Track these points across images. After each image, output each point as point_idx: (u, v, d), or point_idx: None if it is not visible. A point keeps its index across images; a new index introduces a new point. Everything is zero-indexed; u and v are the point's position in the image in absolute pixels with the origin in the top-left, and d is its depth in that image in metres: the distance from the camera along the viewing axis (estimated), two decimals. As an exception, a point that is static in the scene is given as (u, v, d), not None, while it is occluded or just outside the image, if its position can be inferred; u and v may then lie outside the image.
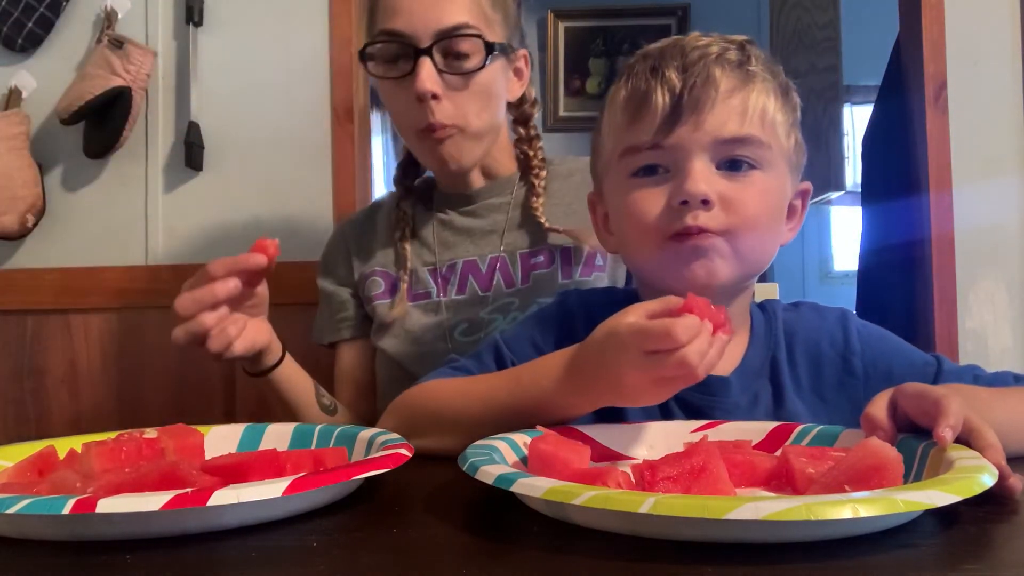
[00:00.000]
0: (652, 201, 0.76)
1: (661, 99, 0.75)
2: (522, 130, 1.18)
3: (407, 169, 1.21)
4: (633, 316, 0.65)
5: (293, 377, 1.04)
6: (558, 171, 1.18)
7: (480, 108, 1.06)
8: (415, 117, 1.05)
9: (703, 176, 0.74)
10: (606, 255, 1.11)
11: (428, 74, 1.01)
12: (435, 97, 1.02)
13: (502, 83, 1.10)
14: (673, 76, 0.75)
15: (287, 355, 1.03)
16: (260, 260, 0.89)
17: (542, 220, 1.11)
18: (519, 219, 1.14)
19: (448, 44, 1.02)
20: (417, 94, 1.02)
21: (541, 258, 1.11)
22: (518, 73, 1.15)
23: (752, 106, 0.76)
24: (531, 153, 1.17)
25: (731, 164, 0.76)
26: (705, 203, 0.74)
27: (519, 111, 1.18)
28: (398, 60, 1.05)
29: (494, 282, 1.12)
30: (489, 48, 1.04)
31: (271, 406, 1.06)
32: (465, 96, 1.05)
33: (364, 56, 1.07)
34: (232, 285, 0.89)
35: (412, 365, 1.10)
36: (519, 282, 1.11)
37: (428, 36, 1.02)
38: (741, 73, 0.76)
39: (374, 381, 1.18)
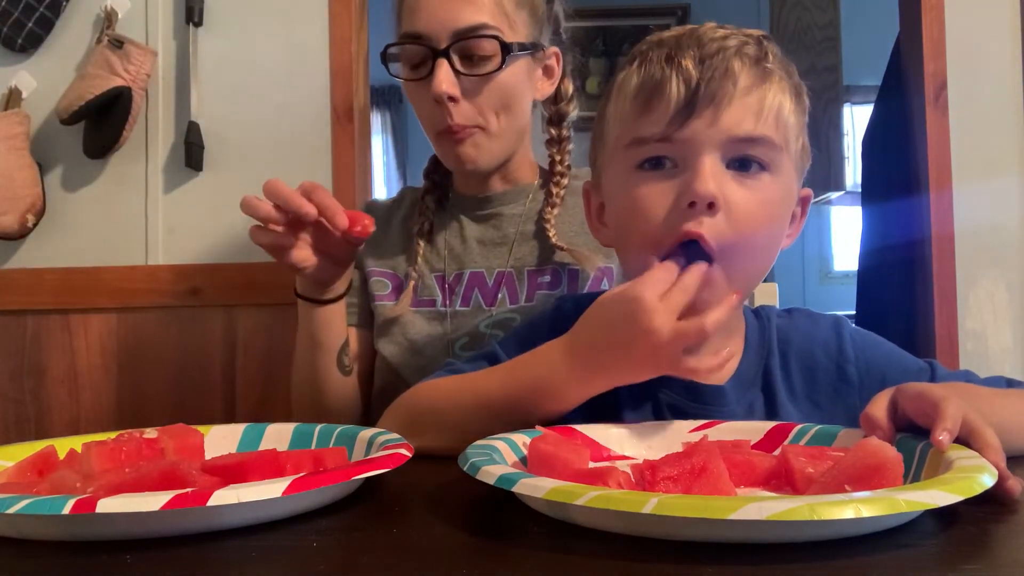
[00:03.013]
0: (658, 198, 0.73)
1: (676, 89, 0.72)
2: (554, 131, 1.15)
3: (438, 163, 1.19)
4: (642, 287, 0.68)
5: (333, 321, 1.04)
6: (577, 186, 1.13)
7: (500, 109, 1.05)
8: (435, 118, 1.04)
9: (713, 175, 0.71)
10: (612, 280, 1.09)
11: (445, 76, 1.01)
12: (452, 99, 1.02)
13: (526, 83, 1.08)
14: (690, 66, 0.72)
15: (342, 303, 1.05)
16: (310, 210, 0.89)
17: (551, 233, 1.09)
18: (531, 232, 1.12)
19: (466, 45, 1.01)
20: (434, 96, 1.01)
21: (548, 278, 1.09)
22: (548, 71, 1.13)
23: (768, 105, 0.73)
24: (558, 158, 1.14)
25: (741, 163, 0.73)
26: (711, 206, 0.71)
27: (554, 109, 1.15)
28: (420, 62, 1.04)
29: (499, 297, 1.10)
30: (506, 49, 1.02)
31: (300, 337, 1.07)
32: (484, 98, 1.04)
33: (386, 58, 1.06)
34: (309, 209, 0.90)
35: (411, 376, 1.09)
36: (523, 300, 1.10)
37: (445, 37, 1.01)
38: (759, 70, 0.73)
39: (371, 374, 1.17)
